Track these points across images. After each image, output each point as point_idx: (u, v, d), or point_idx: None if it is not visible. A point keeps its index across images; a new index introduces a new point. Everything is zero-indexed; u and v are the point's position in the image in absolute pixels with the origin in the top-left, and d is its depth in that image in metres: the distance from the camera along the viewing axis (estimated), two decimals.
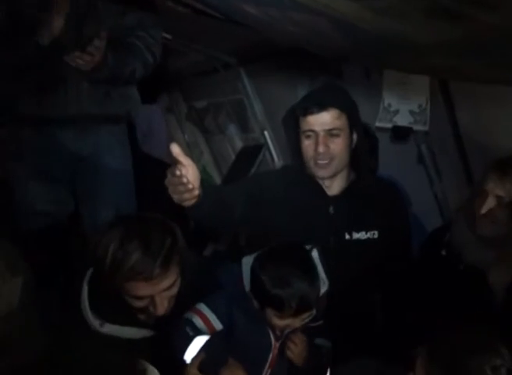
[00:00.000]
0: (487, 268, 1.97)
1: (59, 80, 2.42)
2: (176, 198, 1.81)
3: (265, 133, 3.75)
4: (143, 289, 1.66)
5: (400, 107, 2.55)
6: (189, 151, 5.18)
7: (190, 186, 1.76)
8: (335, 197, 2.12)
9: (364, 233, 2.09)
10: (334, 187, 2.12)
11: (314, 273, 1.76)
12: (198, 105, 4.64)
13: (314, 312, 1.76)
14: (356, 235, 2.09)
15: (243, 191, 2.12)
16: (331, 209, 2.09)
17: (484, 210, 1.92)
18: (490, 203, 1.92)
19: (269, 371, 1.83)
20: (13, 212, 2.62)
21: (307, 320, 1.77)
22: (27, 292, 1.45)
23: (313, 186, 2.11)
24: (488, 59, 1.28)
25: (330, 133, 2.00)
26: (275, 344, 1.81)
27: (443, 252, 2.12)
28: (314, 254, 1.82)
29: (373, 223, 2.10)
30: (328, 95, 2.04)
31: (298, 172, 2.14)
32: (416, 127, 2.53)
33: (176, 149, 1.71)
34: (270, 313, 1.74)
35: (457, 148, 2.50)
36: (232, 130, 4.32)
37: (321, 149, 2.00)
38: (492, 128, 2.26)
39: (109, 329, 1.73)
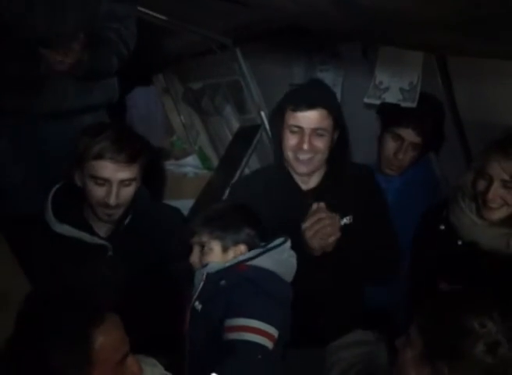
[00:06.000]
0: (488, 246, 1.98)
1: (43, 77, 2.42)
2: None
3: (262, 113, 3.74)
4: (106, 170, 1.92)
5: (391, 84, 2.54)
6: (185, 132, 5.18)
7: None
8: (311, 191, 2.18)
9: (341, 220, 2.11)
10: (311, 182, 2.19)
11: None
12: (194, 86, 4.62)
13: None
14: None
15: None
16: (308, 203, 2.10)
17: (491, 195, 1.92)
18: (497, 188, 1.92)
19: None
20: None
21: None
22: None
23: (289, 183, 2.18)
24: (487, 33, 1.28)
25: (316, 132, 2.06)
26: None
27: (442, 227, 2.14)
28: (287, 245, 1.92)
29: (348, 208, 2.14)
30: (319, 95, 2.10)
31: (276, 170, 2.21)
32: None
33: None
34: None
35: (455, 126, 2.51)
36: (229, 110, 4.31)
37: (305, 146, 2.06)
38: (490, 105, 2.27)
39: (63, 229, 2.01)
